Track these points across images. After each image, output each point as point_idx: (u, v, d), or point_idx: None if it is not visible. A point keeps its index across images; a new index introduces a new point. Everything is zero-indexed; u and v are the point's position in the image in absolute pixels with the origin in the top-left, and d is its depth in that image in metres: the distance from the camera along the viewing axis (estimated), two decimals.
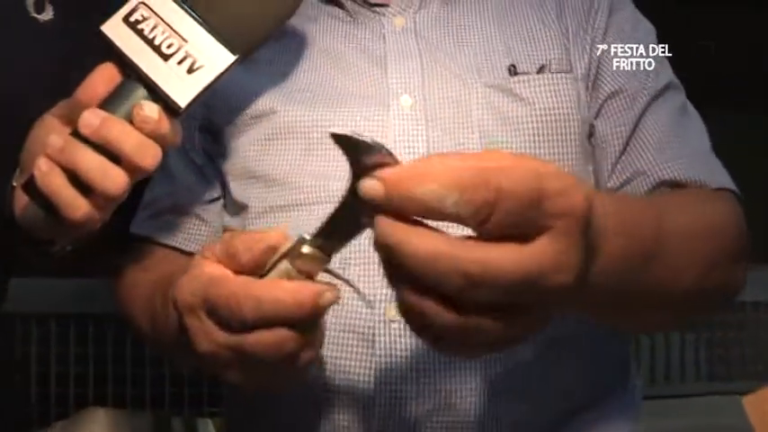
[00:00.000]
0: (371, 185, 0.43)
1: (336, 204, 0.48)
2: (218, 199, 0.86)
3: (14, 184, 0.71)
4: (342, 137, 0.46)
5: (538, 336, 0.56)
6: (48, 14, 0.81)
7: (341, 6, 0.87)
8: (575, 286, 0.43)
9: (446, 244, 0.41)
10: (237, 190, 0.83)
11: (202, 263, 0.53)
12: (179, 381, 1.77)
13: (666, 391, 2.23)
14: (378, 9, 0.86)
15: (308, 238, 0.49)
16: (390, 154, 0.45)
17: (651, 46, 0.86)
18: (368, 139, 0.45)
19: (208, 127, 0.85)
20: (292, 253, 0.50)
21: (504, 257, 0.41)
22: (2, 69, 0.76)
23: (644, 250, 0.55)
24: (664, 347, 2.49)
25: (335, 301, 0.49)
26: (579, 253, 0.43)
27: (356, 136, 0.45)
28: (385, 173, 0.42)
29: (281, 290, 0.48)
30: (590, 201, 0.44)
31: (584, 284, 0.46)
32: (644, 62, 0.84)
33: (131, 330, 0.84)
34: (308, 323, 0.50)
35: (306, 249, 0.49)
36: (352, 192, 0.45)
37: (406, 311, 0.44)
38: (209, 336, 0.51)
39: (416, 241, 0.42)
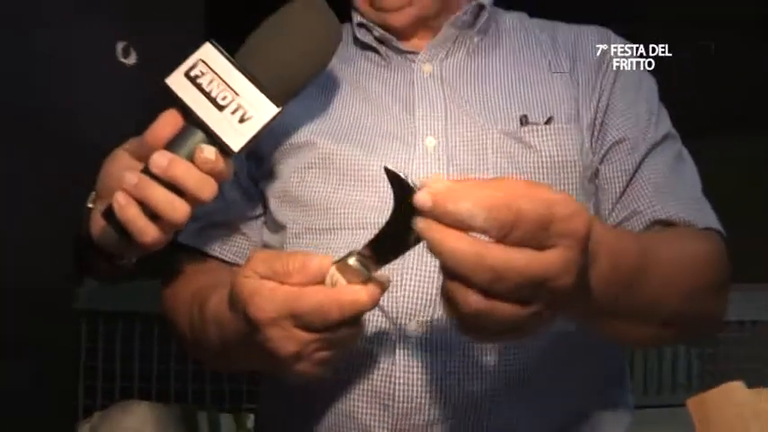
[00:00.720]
0: (424, 197, 0.55)
1: (379, 228, 0.61)
2: (259, 216, 0.99)
3: (90, 205, 0.85)
4: (392, 173, 0.59)
5: (541, 349, 0.70)
6: (132, 59, 0.94)
7: (376, 51, 1.00)
8: (573, 291, 0.57)
9: (478, 245, 0.54)
10: (278, 211, 0.96)
11: (265, 284, 0.66)
12: (202, 378, 1.92)
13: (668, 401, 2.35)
14: (409, 56, 0.99)
15: (356, 253, 0.63)
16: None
17: (653, 100, 0.99)
18: (410, 181, 0.58)
19: (254, 153, 0.97)
20: (342, 265, 0.64)
21: (522, 259, 0.54)
22: (94, 105, 0.90)
23: (626, 277, 0.68)
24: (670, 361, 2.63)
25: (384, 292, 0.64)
26: (578, 266, 0.56)
27: (402, 175, 0.58)
28: (433, 189, 0.55)
29: (358, 293, 0.63)
30: (590, 227, 0.57)
31: (581, 291, 0.60)
32: (645, 114, 0.96)
33: (173, 332, 0.96)
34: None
35: (352, 262, 0.63)
36: (395, 217, 0.58)
37: (446, 296, 0.57)
38: (295, 338, 0.65)
39: (454, 240, 0.54)
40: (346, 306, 0.63)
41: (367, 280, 0.63)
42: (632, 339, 0.81)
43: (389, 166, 0.59)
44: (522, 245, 0.54)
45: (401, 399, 0.84)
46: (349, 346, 0.68)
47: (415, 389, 0.84)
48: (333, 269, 0.64)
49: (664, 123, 0.97)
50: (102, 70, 0.91)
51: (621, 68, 0.97)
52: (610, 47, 0.98)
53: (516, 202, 0.54)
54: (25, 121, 0.85)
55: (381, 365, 0.85)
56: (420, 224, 0.55)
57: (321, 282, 0.65)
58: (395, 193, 0.58)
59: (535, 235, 0.54)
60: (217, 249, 0.97)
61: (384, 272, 0.63)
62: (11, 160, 0.84)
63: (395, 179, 0.58)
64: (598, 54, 0.97)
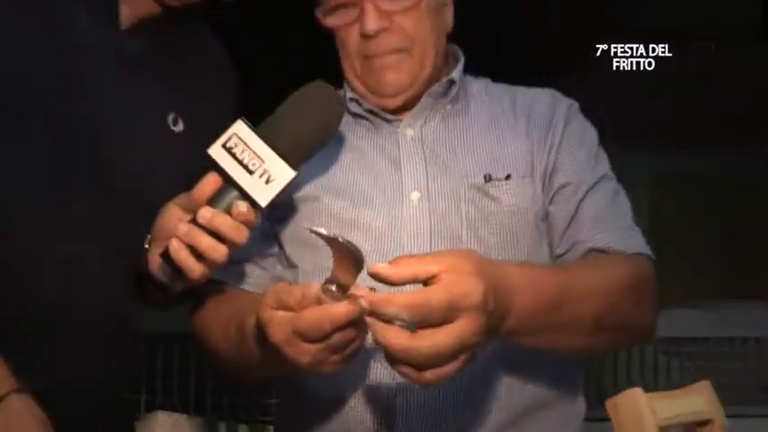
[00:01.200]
0: (362, 303, 0.78)
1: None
2: (274, 254, 1.19)
3: (147, 246, 1.06)
4: (324, 236, 0.80)
5: (493, 361, 0.92)
6: (180, 127, 1.15)
7: (367, 119, 1.21)
8: (488, 339, 0.80)
9: (406, 337, 0.77)
10: (290, 251, 1.17)
11: (276, 314, 0.86)
12: (219, 391, 2.11)
13: None
14: (394, 122, 1.20)
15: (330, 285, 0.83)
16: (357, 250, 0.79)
17: (593, 148, 1.20)
18: (349, 245, 0.79)
19: (271, 203, 1.14)
20: (325, 289, 0.82)
21: (439, 336, 0.78)
22: (148, 166, 1.10)
23: (550, 301, 0.91)
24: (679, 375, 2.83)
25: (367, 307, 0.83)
26: (483, 323, 0.79)
27: (339, 238, 0.79)
28: (368, 297, 0.78)
29: (340, 306, 0.81)
30: (487, 293, 0.79)
31: (498, 334, 0.83)
32: (585, 162, 1.17)
33: (204, 350, 1.15)
34: (359, 321, 0.84)
35: (333, 287, 0.82)
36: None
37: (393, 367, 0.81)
38: (306, 351, 0.85)
39: (388, 335, 0.78)
40: (335, 317, 0.81)
41: (345, 298, 0.82)
42: (567, 348, 1.03)
43: (341, 239, 0.80)
44: (438, 324, 0.78)
45: (402, 409, 1.07)
46: (355, 346, 0.88)
47: (410, 403, 1.06)
48: (321, 293, 0.83)
49: (601, 167, 1.18)
50: (158, 136, 1.13)
51: (568, 126, 1.18)
52: (556, 109, 1.20)
53: (427, 298, 0.77)
54: (96, 177, 1.05)
55: (384, 382, 1.06)
56: (368, 320, 0.79)
57: (315, 303, 0.84)
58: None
59: (445, 316, 0.78)
60: (241, 282, 1.17)
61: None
62: (90, 211, 1.05)
63: (329, 241, 0.80)
64: (548, 115, 1.19)
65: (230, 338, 1.04)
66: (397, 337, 0.77)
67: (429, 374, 0.79)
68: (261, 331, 0.89)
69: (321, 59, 1.22)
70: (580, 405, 1.18)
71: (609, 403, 0.73)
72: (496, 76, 1.30)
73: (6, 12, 1.00)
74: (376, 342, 0.78)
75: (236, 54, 1.26)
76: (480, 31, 1.26)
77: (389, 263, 0.79)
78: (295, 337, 0.84)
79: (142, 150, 1.09)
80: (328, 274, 0.89)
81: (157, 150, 1.11)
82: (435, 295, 0.77)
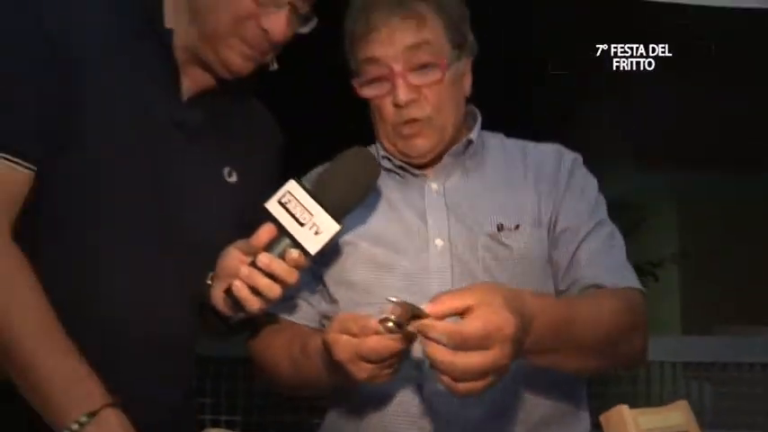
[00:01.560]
0: (419, 325, 0.97)
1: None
2: (318, 291, 1.38)
3: (209, 282, 1.24)
4: (396, 301, 0.99)
5: (514, 380, 1.11)
6: (233, 179, 1.33)
7: (398, 173, 1.39)
8: (514, 358, 0.97)
9: (448, 354, 0.94)
10: (332, 289, 1.35)
11: (341, 337, 1.07)
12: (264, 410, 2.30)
13: None
14: (420, 177, 1.37)
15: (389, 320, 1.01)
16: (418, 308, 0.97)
17: (592, 197, 1.37)
18: (409, 304, 0.97)
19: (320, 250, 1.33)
20: (384, 323, 1.01)
21: (474, 359, 0.94)
22: (208, 212, 1.28)
23: (558, 326, 1.08)
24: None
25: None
26: (512, 351, 0.96)
27: (401, 301, 0.98)
28: (416, 325, 0.97)
29: (395, 340, 1.03)
30: (518, 324, 0.96)
31: (521, 352, 0.99)
32: (584, 210, 1.35)
33: (262, 369, 1.35)
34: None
35: (390, 324, 1.00)
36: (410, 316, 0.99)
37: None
38: (364, 368, 1.07)
39: (436, 351, 0.95)
40: (391, 347, 1.04)
41: (399, 332, 1.02)
42: (571, 366, 1.21)
43: (393, 299, 0.99)
44: (474, 350, 0.95)
45: (429, 421, 1.25)
46: (400, 366, 1.10)
47: (443, 411, 1.25)
48: (381, 326, 1.03)
49: (598, 214, 1.35)
50: (215, 187, 1.31)
51: (571, 178, 1.36)
52: (562, 164, 1.37)
53: (466, 333, 0.94)
54: (167, 224, 1.24)
55: (417, 399, 1.25)
56: (422, 342, 0.98)
57: (375, 334, 1.05)
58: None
59: (480, 344, 0.95)
60: (293, 315, 1.37)
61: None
62: (164, 252, 1.23)
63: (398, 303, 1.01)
64: (554, 170, 1.37)
65: (293, 357, 1.25)
66: (439, 353, 0.95)
67: (462, 387, 0.96)
68: (326, 350, 1.10)
69: (350, 119, 1.41)
70: (585, 422, 1.34)
71: (602, 417, 0.89)
72: (497, 80, 1.46)
73: (105, 94, 1.19)
74: (425, 354, 0.97)
75: (277, 114, 1.45)
76: (480, 31, 1.42)
77: (430, 301, 0.98)
78: (356, 358, 1.06)
79: (203, 199, 1.28)
80: (362, 309, 1.08)
81: (215, 198, 1.30)
82: (471, 326, 0.95)
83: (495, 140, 1.44)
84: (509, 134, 1.47)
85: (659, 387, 2.99)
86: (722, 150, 6.17)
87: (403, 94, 1.29)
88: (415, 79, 1.30)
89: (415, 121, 1.32)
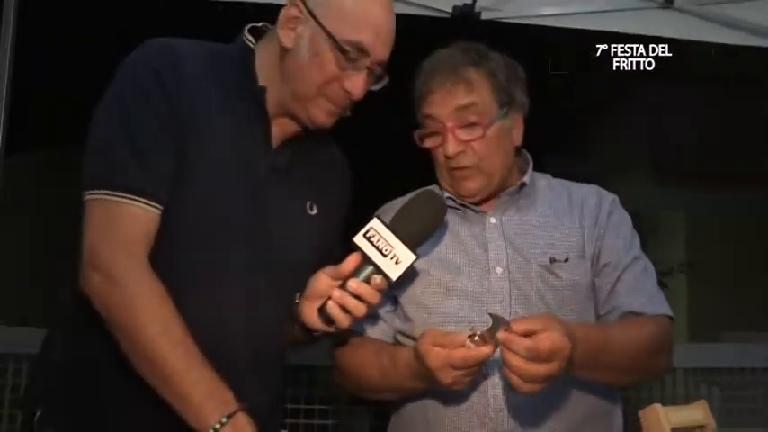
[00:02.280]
0: (502, 336, 1.26)
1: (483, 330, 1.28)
2: (393, 311, 1.62)
3: (297, 301, 1.48)
4: (493, 315, 1.27)
5: (562, 385, 1.42)
6: (314, 211, 1.55)
7: (460, 209, 1.63)
8: (565, 370, 1.29)
9: (521, 362, 1.25)
10: (407, 309, 1.59)
11: (433, 349, 1.35)
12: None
13: None
14: (480, 213, 1.62)
15: (476, 334, 1.29)
16: (505, 321, 1.25)
17: (628, 234, 1.61)
18: (501, 317, 1.25)
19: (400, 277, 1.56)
20: (470, 337, 1.29)
21: (541, 369, 1.28)
22: (295, 241, 1.49)
23: (595, 349, 1.36)
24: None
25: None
26: (566, 364, 1.29)
27: (496, 314, 1.27)
28: (503, 336, 1.25)
29: (480, 351, 1.32)
30: (571, 347, 1.25)
31: (568, 368, 1.27)
32: (623, 246, 1.59)
33: (348, 376, 1.59)
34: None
35: (476, 338, 1.28)
36: (492, 333, 1.26)
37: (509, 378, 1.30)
38: (451, 374, 1.35)
39: (513, 358, 1.28)
40: (478, 358, 1.32)
41: (484, 345, 1.29)
42: (606, 380, 1.51)
43: (490, 311, 1.29)
44: (542, 362, 1.26)
45: (492, 417, 1.49)
46: (478, 374, 1.37)
47: (500, 414, 1.49)
48: (467, 341, 1.31)
49: (634, 249, 1.61)
50: (300, 218, 1.53)
51: (610, 218, 1.61)
52: (602, 203, 1.62)
53: (537, 348, 1.26)
54: (264, 250, 1.45)
55: (483, 400, 1.50)
56: (503, 352, 1.28)
57: (461, 346, 1.32)
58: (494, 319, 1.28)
59: (547, 358, 1.27)
60: (372, 332, 1.61)
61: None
62: (262, 274, 1.44)
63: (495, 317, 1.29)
64: (596, 208, 1.62)
65: (381, 366, 1.51)
66: (517, 360, 1.27)
67: (526, 387, 1.29)
68: (418, 359, 1.38)
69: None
70: (619, 418, 1.60)
71: (640, 413, 1.14)
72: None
73: (212, 144, 1.41)
74: (504, 360, 1.29)
75: (349, 156, 1.69)
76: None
77: (512, 321, 1.30)
78: (447, 366, 1.34)
79: (291, 229, 1.51)
80: (433, 325, 1.41)
81: (300, 228, 1.52)
82: (544, 344, 1.27)
83: (544, 181, 1.69)
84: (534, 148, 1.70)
85: (672, 390, 3.23)
86: (731, 165, 6.36)
87: (451, 148, 1.56)
88: (462, 135, 1.56)
89: (462, 168, 1.58)
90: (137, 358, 1.28)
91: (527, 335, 1.27)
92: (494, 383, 1.49)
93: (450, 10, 2.70)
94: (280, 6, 1.46)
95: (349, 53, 1.40)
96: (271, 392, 1.52)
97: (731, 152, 6.35)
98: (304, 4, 1.41)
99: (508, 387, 1.41)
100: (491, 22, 2.74)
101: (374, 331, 1.61)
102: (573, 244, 1.58)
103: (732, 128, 6.42)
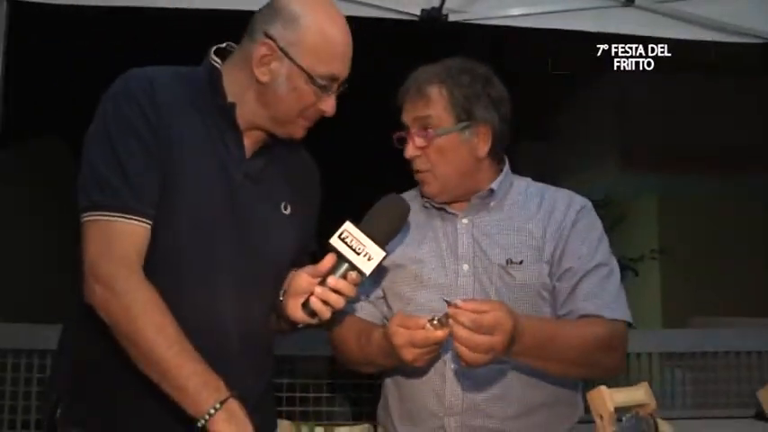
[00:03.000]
0: (452, 311, 1.45)
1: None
2: (381, 297, 1.79)
3: (281, 298, 1.60)
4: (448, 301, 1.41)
5: (516, 370, 1.59)
6: (288, 211, 1.67)
7: (437, 210, 1.78)
8: (506, 348, 1.48)
9: (469, 333, 1.43)
10: (389, 299, 1.76)
11: (399, 329, 1.49)
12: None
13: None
14: (452, 214, 1.77)
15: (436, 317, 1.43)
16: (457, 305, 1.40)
17: (594, 241, 1.74)
18: (455, 301, 1.40)
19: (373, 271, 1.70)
20: (431, 321, 1.43)
21: (484, 339, 1.44)
22: (273, 239, 1.62)
23: (542, 340, 1.51)
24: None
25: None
26: (506, 339, 1.46)
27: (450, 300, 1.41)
28: (454, 310, 1.45)
29: (437, 333, 1.48)
30: (512, 327, 1.43)
31: (510, 352, 1.51)
32: (586, 253, 1.72)
33: (341, 354, 1.77)
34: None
35: (435, 321, 1.43)
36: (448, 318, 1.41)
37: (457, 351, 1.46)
38: (413, 353, 1.51)
39: (459, 329, 1.44)
40: (433, 338, 1.48)
41: (441, 328, 1.43)
42: (555, 371, 1.63)
43: (446, 299, 1.42)
44: (484, 334, 1.42)
45: (448, 396, 1.66)
46: (434, 353, 1.53)
47: (455, 393, 1.66)
48: (427, 324, 1.45)
49: (599, 256, 1.73)
50: (276, 217, 1.66)
51: (576, 224, 1.74)
52: (569, 209, 1.76)
53: (480, 319, 1.43)
54: (246, 248, 1.57)
55: (439, 381, 1.71)
56: (452, 324, 1.44)
57: (422, 329, 1.49)
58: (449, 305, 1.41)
59: (489, 331, 1.43)
60: (362, 314, 1.78)
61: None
62: (246, 271, 1.57)
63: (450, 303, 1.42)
64: (562, 214, 1.76)
65: (360, 345, 1.69)
66: (463, 331, 1.43)
67: (469, 356, 1.43)
68: (387, 338, 1.54)
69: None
70: (579, 406, 1.74)
71: (588, 394, 1.26)
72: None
73: (192, 158, 1.54)
74: (452, 333, 1.44)
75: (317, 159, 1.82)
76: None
77: (463, 300, 1.46)
78: (408, 344, 1.49)
79: (269, 228, 1.64)
80: (408, 314, 1.55)
81: (277, 226, 1.65)
82: (486, 317, 1.44)
83: (521, 184, 1.84)
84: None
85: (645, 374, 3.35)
86: (704, 150, 6.50)
87: (410, 150, 1.76)
88: (419, 141, 1.75)
89: (419, 171, 1.76)
90: (137, 358, 1.42)
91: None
92: (450, 367, 1.67)
93: (418, 13, 2.80)
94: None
95: (324, 85, 1.55)
96: (262, 379, 1.67)
97: (708, 136, 6.46)
98: (276, 43, 1.54)
99: (463, 371, 1.61)
100: (457, 24, 2.85)
101: (364, 313, 1.79)
102: (531, 247, 1.72)
103: (708, 110, 6.54)
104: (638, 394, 1.28)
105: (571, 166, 7.94)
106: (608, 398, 1.23)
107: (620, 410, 1.25)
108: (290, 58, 1.53)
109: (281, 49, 1.53)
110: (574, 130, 8.16)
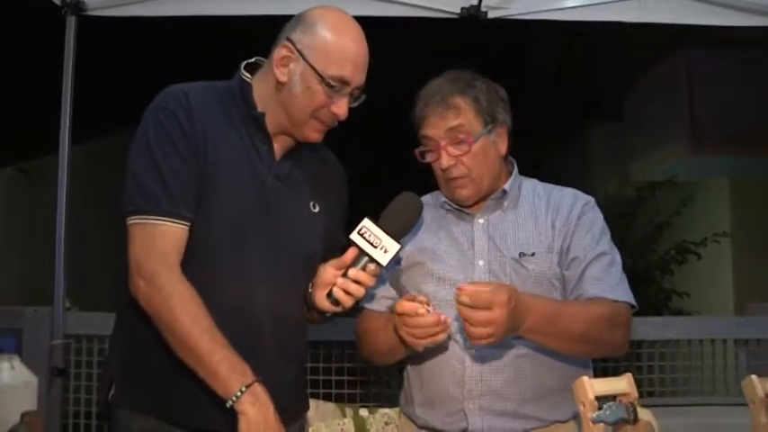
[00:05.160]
0: (456, 291, 1.65)
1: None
2: (401, 291, 1.91)
3: (309, 290, 1.77)
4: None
5: (529, 357, 1.76)
6: (317, 209, 1.82)
7: (454, 212, 1.91)
8: (512, 327, 1.66)
9: (470, 310, 1.62)
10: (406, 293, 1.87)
11: (396, 317, 1.70)
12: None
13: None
14: (469, 215, 1.90)
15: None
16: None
17: (598, 232, 1.86)
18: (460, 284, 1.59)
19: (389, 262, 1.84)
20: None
21: (483, 313, 1.62)
22: (304, 236, 1.77)
23: (548, 317, 1.71)
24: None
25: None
26: (506, 313, 1.62)
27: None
28: (457, 289, 1.65)
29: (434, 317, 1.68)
30: (509, 301, 1.63)
31: (518, 330, 1.69)
32: (590, 242, 1.84)
33: (365, 346, 1.94)
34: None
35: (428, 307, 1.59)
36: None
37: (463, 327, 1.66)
38: (404, 330, 1.71)
39: (463, 308, 1.63)
40: (425, 322, 1.67)
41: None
42: (563, 349, 1.75)
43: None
44: (483, 309, 1.60)
45: (467, 381, 1.81)
46: (434, 338, 1.70)
47: (472, 378, 1.81)
48: (419, 308, 1.63)
49: (601, 245, 1.85)
50: (305, 215, 1.81)
51: (581, 218, 1.86)
52: (574, 206, 1.88)
53: (477, 293, 1.62)
54: (280, 244, 1.73)
55: (460, 367, 1.83)
56: (456, 302, 1.62)
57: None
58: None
59: (487, 305, 1.60)
60: (377, 306, 1.94)
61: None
62: (281, 265, 1.74)
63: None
64: (568, 210, 1.88)
65: (380, 336, 1.85)
66: (464, 308, 1.60)
67: (473, 330, 1.60)
68: (396, 330, 1.72)
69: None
70: None
71: (573, 385, 1.36)
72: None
73: (227, 164, 1.70)
74: (458, 309, 1.62)
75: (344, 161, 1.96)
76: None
77: (468, 283, 1.66)
78: (408, 334, 1.70)
79: (300, 226, 1.79)
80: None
81: (306, 224, 1.80)
82: (483, 294, 1.61)
83: (530, 185, 1.98)
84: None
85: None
86: None
87: (445, 162, 1.87)
88: (454, 151, 1.87)
89: (456, 178, 1.87)
90: (175, 344, 1.60)
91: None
92: (470, 353, 1.80)
93: (458, 11, 2.89)
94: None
95: (334, 86, 1.69)
96: (294, 366, 1.83)
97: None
98: (294, 46, 1.70)
99: (482, 355, 1.75)
100: (498, 21, 2.92)
101: (385, 309, 1.93)
102: (542, 240, 1.86)
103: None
104: (620, 384, 1.37)
105: (641, 146, 7.84)
106: (588, 387, 1.33)
107: (603, 399, 1.34)
108: (305, 59, 1.69)
109: (298, 51, 1.69)
110: (643, 111, 8.03)
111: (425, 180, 1.98)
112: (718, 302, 6.64)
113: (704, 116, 6.86)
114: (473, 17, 2.86)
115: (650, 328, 3.05)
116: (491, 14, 2.90)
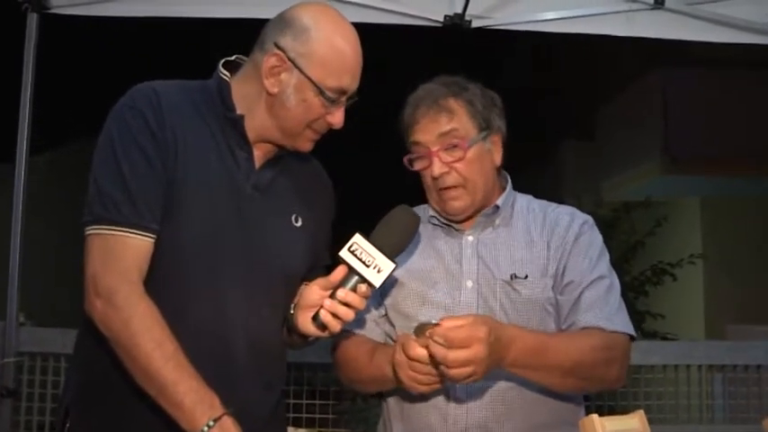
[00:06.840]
0: (431, 331, 1.46)
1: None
2: (383, 315, 1.77)
3: (291, 311, 1.61)
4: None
5: (517, 391, 1.58)
6: (299, 222, 1.66)
7: (443, 227, 1.76)
8: (493, 364, 1.48)
9: (445, 350, 1.43)
10: (391, 316, 1.74)
11: (400, 350, 1.48)
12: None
13: None
14: (459, 231, 1.75)
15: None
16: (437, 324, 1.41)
17: (594, 255, 1.71)
18: (431, 321, 1.41)
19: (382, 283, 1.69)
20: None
21: (461, 353, 1.43)
22: (283, 252, 1.62)
23: (534, 350, 1.49)
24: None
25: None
26: (485, 350, 1.44)
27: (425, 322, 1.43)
28: (432, 330, 1.46)
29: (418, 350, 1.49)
30: (488, 337, 1.44)
31: (501, 364, 1.51)
32: (587, 266, 1.70)
33: (345, 373, 1.76)
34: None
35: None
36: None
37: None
38: (408, 374, 1.52)
39: (438, 349, 1.44)
40: (415, 355, 1.50)
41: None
42: (550, 384, 1.60)
43: (422, 320, 1.44)
44: (460, 348, 1.42)
45: (452, 415, 1.67)
46: (434, 381, 1.52)
47: (458, 411, 1.66)
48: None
49: (599, 269, 1.71)
50: (286, 229, 1.65)
51: (578, 239, 1.72)
52: (571, 226, 1.73)
53: (449, 334, 1.42)
54: (256, 259, 1.57)
55: (444, 400, 1.68)
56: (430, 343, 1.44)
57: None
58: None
59: (463, 344, 1.42)
60: (365, 332, 1.77)
61: None
62: (255, 284, 1.57)
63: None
64: (565, 230, 1.73)
65: (365, 363, 1.69)
66: (438, 349, 1.43)
67: (453, 372, 1.43)
68: (391, 366, 1.55)
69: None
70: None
71: (580, 423, 1.24)
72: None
73: (199, 169, 1.54)
74: (432, 350, 1.44)
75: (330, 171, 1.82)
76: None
77: (443, 319, 1.46)
78: (406, 367, 1.53)
79: (279, 241, 1.63)
80: (410, 331, 1.53)
81: (287, 240, 1.64)
82: (458, 332, 1.44)
83: (524, 201, 1.82)
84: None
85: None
86: (748, 151, 6.32)
87: (437, 168, 1.70)
88: (446, 157, 1.70)
89: (449, 188, 1.71)
90: (136, 372, 1.43)
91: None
92: (452, 386, 1.62)
93: (441, 19, 2.78)
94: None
95: (333, 98, 1.55)
96: (274, 392, 1.67)
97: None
98: (285, 54, 1.54)
99: (467, 389, 1.59)
100: (481, 30, 2.82)
101: (368, 332, 1.77)
102: (536, 262, 1.71)
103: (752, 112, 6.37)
104: (632, 422, 1.25)
105: (614, 165, 7.83)
106: (599, 426, 1.21)
107: None
108: (300, 70, 1.54)
109: (291, 60, 1.54)
110: (616, 130, 8.04)
111: (414, 194, 1.83)
112: (689, 324, 6.61)
113: (678, 135, 6.86)
114: (457, 26, 2.75)
115: (636, 354, 2.94)
116: (475, 23, 2.80)
